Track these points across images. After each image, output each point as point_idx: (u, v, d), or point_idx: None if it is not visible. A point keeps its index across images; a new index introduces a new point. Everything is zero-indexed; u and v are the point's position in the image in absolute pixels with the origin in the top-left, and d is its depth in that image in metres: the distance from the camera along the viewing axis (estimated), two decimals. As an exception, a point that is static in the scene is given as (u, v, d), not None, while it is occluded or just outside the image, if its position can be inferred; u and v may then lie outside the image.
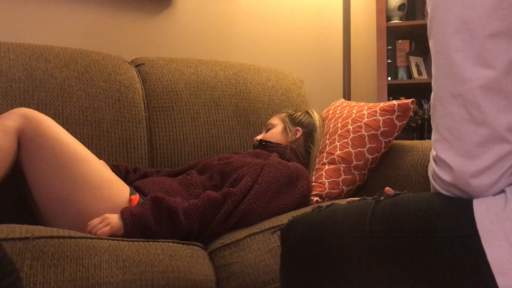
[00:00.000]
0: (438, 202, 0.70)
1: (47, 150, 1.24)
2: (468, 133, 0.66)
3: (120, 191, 1.31)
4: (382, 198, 0.76)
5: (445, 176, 0.69)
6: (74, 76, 1.64)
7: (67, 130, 1.34)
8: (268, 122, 1.78)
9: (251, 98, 1.93)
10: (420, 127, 2.45)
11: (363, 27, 2.51)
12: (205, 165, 1.52)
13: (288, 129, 1.71)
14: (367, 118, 1.62)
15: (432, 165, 0.72)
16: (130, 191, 1.33)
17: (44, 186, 1.24)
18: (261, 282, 1.15)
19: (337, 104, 1.83)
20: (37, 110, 1.45)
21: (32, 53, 1.61)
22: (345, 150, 1.61)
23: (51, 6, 1.90)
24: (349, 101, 1.84)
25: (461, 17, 0.66)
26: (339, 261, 0.76)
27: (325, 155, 1.64)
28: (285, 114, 1.77)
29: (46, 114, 1.36)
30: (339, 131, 1.65)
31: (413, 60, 2.43)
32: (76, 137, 1.35)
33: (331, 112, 1.79)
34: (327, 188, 1.58)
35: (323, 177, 1.60)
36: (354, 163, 1.60)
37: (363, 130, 1.61)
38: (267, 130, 1.75)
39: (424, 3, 2.45)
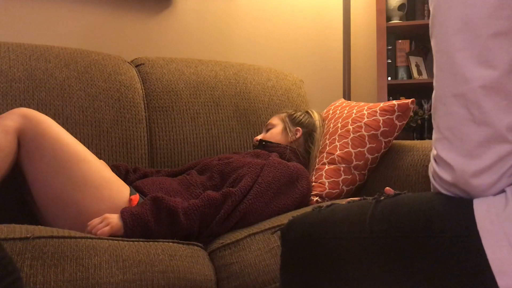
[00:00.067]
0: (438, 202, 0.70)
1: (47, 150, 1.24)
2: (469, 132, 0.66)
3: (120, 191, 1.31)
4: (382, 198, 0.76)
5: (445, 175, 0.69)
6: (74, 76, 1.64)
7: (67, 130, 1.34)
8: (268, 122, 1.78)
9: (251, 98, 1.93)
10: (420, 127, 2.45)
11: (363, 27, 2.51)
12: (205, 165, 1.52)
13: (288, 129, 1.71)
14: (367, 118, 1.62)
15: (432, 165, 0.72)
16: (130, 191, 1.33)
17: (44, 186, 1.24)
18: (261, 282, 1.15)
19: (337, 104, 1.83)
20: (37, 110, 1.45)
21: (32, 53, 1.61)
22: (345, 150, 1.61)
23: (51, 6, 1.90)
24: (349, 101, 1.84)
25: (463, 16, 0.66)
26: (339, 261, 0.76)
27: (325, 155, 1.64)
28: (285, 114, 1.77)
29: (46, 114, 1.36)
30: (339, 131, 1.65)
31: (413, 60, 2.43)
32: (76, 137, 1.35)
33: (331, 112, 1.79)
34: (327, 188, 1.58)
35: (323, 177, 1.59)
36: (354, 163, 1.60)
37: (363, 130, 1.61)
38: (267, 130, 1.75)
39: (424, 3, 2.45)
